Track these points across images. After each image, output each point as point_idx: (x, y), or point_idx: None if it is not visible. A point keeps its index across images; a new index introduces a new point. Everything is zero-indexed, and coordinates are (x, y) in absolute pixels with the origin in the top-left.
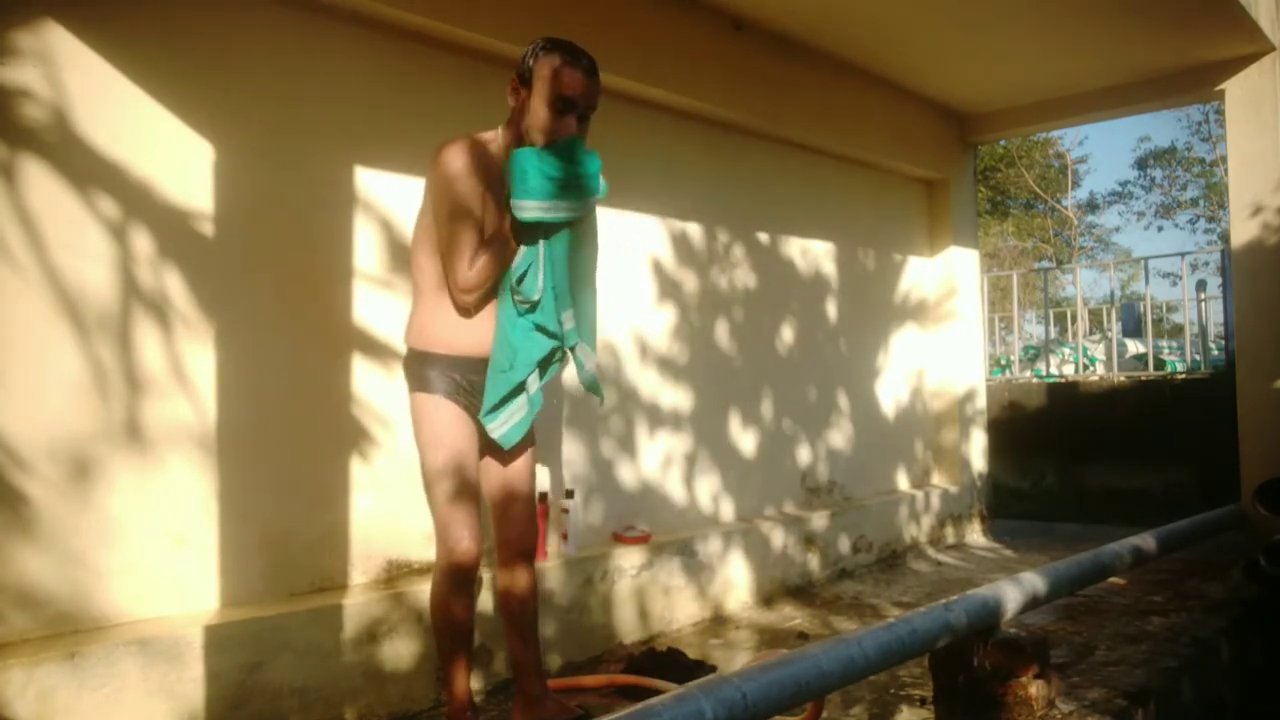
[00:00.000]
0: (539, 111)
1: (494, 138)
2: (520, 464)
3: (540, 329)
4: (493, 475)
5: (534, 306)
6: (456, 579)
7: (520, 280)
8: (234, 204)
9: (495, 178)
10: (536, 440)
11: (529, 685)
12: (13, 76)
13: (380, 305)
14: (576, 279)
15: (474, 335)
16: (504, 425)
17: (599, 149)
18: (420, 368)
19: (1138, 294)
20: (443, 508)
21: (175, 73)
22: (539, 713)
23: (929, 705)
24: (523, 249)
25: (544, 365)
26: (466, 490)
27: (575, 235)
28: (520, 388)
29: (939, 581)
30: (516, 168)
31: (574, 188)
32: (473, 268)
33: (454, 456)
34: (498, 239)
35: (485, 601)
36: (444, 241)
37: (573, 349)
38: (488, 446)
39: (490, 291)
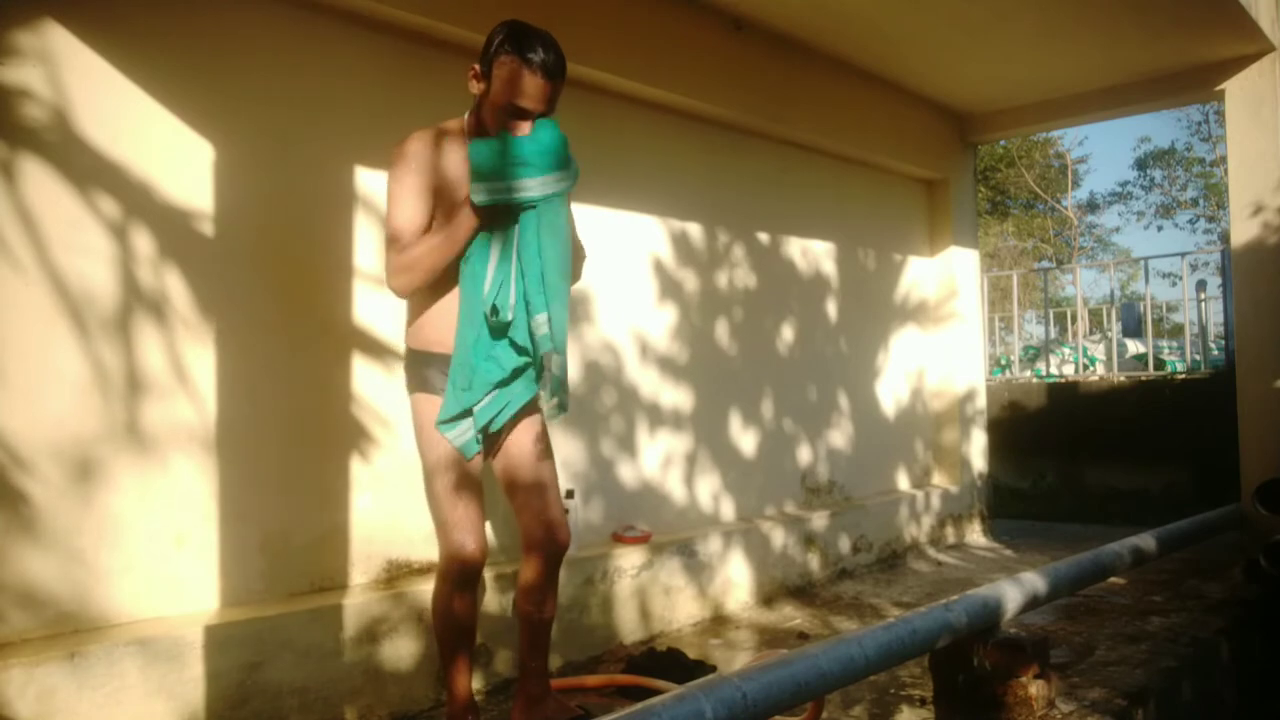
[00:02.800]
0: (493, 113)
1: (459, 126)
2: (528, 456)
3: (511, 344)
4: (503, 472)
5: (509, 326)
6: (458, 580)
7: (493, 302)
8: (234, 204)
9: (454, 166)
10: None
11: (531, 687)
12: (13, 76)
13: (380, 305)
14: (548, 283)
15: None
16: (462, 437)
17: (601, 150)
18: (418, 367)
19: (1138, 294)
20: (444, 509)
21: (175, 73)
22: (539, 712)
23: (929, 705)
24: (493, 266)
25: (527, 372)
26: (467, 490)
27: (542, 235)
28: (470, 410)
29: (939, 581)
30: (471, 160)
31: (510, 171)
32: (403, 253)
33: (453, 456)
34: (446, 227)
35: (486, 602)
36: (386, 229)
37: (543, 356)
38: (496, 444)
39: (444, 282)
